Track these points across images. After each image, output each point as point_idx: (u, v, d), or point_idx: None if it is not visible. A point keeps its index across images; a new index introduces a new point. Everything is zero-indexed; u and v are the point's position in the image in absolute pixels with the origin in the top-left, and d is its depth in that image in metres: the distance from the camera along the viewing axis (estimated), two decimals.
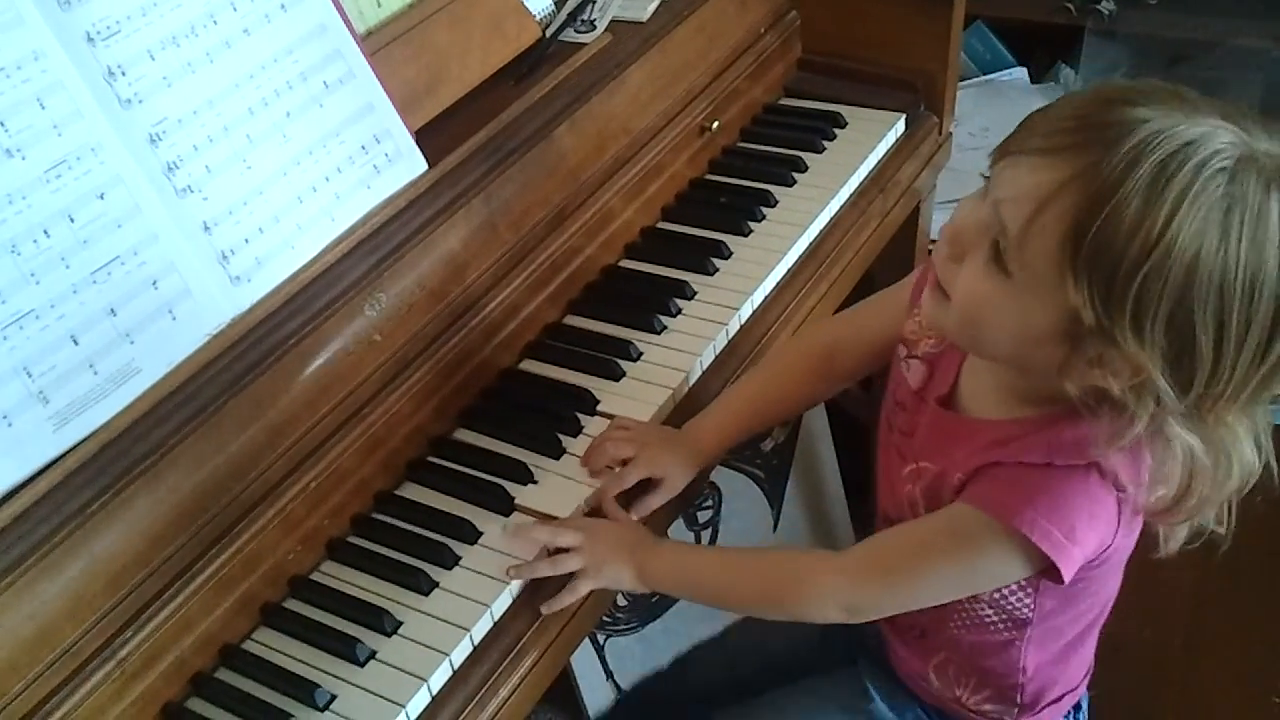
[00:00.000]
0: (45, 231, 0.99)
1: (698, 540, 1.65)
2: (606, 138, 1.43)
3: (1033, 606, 1.07)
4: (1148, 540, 1.02)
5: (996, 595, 1.06)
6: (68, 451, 0.97)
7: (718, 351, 1.35)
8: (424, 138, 1.26)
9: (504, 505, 1.17)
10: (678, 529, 1.55)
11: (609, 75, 1.44)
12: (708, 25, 1.58)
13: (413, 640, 1.05)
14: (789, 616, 1.11)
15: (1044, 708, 1.19)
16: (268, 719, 1.01)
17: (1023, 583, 1.04)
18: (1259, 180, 0.82)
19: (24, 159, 0.98)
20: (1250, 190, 0.82)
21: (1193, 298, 0.82)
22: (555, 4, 1.49)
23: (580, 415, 1.26)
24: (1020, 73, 2.58)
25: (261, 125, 1.13)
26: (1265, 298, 0.83)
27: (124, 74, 1.05)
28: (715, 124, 1.59)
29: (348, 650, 1.04)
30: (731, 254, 1.45)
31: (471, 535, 1.14)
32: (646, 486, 1.19)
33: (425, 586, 1.09)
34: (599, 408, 1.27)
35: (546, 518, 1.15)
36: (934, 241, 1.87)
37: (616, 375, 1.30)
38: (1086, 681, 1.23)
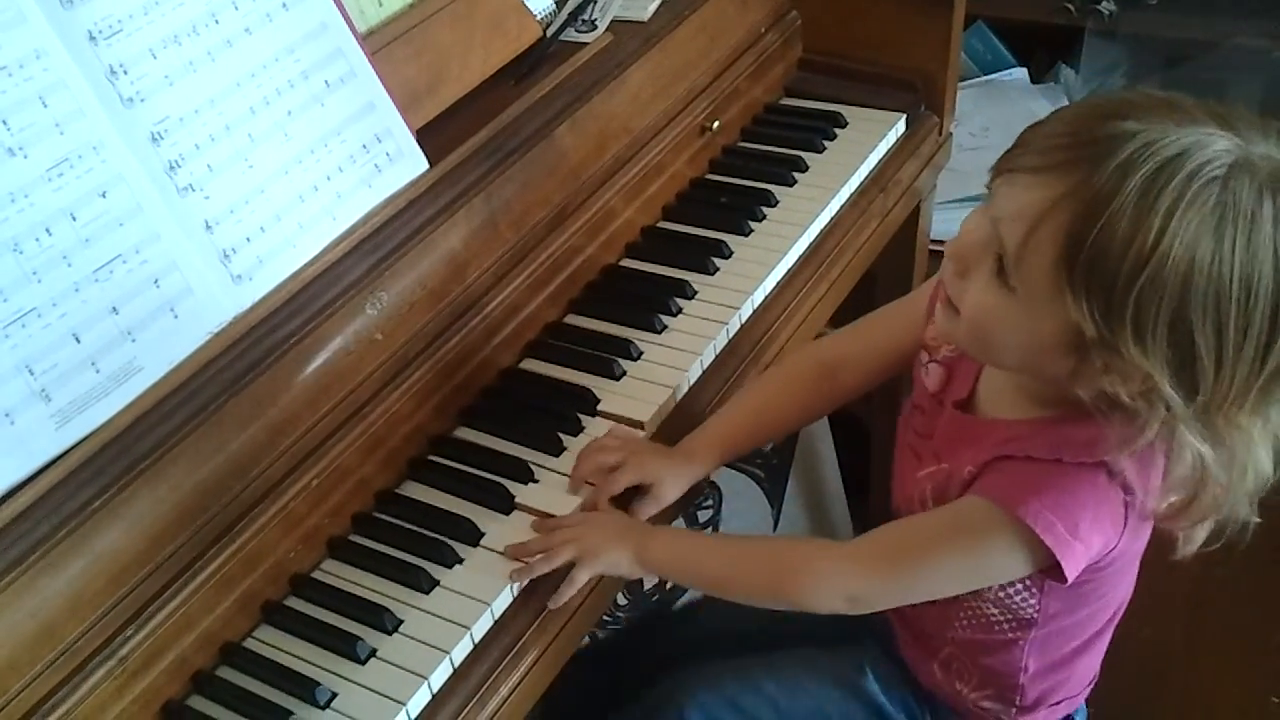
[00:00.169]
0: (47, 230, 0.99)
1: None
2: (607, 137, 1.43)
3: (1038, 607, 1.07)
4: (1163, 542, 1.02)
5: (1002, 594, 1.07)
6: (69, 449, 0.97)
7: (718, 351, 1.35)
8: (425, 137, 1.26)
9: (504, 504, 1.17)
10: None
11: (610, 75, 1.44)
12: (709, 25, 1.58)
13: (413, 638, 1.05)
14: (791, 605, 1.11)
15: (1042, 711, 1.19)
16: (269, 717, 1.01)
17: (1028, 582, 1.05)
18: (1252, 185, 0.83)
19: (26, 157, 0.98)
20: (1244, 196, 0.82)
21: (1190, 306, 0.82)
22: (556, 3, 1.50)
23: (581, 414, 1.26)
24: (1021, 73, 2.58)
25: (263, 124, 1.13)
26: (1262, 302, 0.83)
27: (126, 73, 1.05)
28: (716, 123, 1.59)
29: (349, 648, 1.04)
30: (732, 253, 1.46)
31: (472, 534, 1.14)
32: (637, 495, 1.18)
33: (426, 585, 1.09)
34: (599, 407, 1.27)
35: (547, 516, 1.15)
36: (935, 242, 1.89)
37: (617, 374, 1.30)
38: (1088, 692, 1.23)
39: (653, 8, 1.52)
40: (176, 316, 1.05)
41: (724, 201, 1.55)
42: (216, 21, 1.11)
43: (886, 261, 1.71)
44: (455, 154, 1.27)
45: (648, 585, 1.41)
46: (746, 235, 1.49)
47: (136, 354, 1.02)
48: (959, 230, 0.98)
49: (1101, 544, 0.98)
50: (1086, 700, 1.24)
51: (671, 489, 1.18)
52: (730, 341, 1.36)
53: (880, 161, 1.63)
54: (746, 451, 1.26)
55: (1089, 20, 2.53)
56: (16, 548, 0.92)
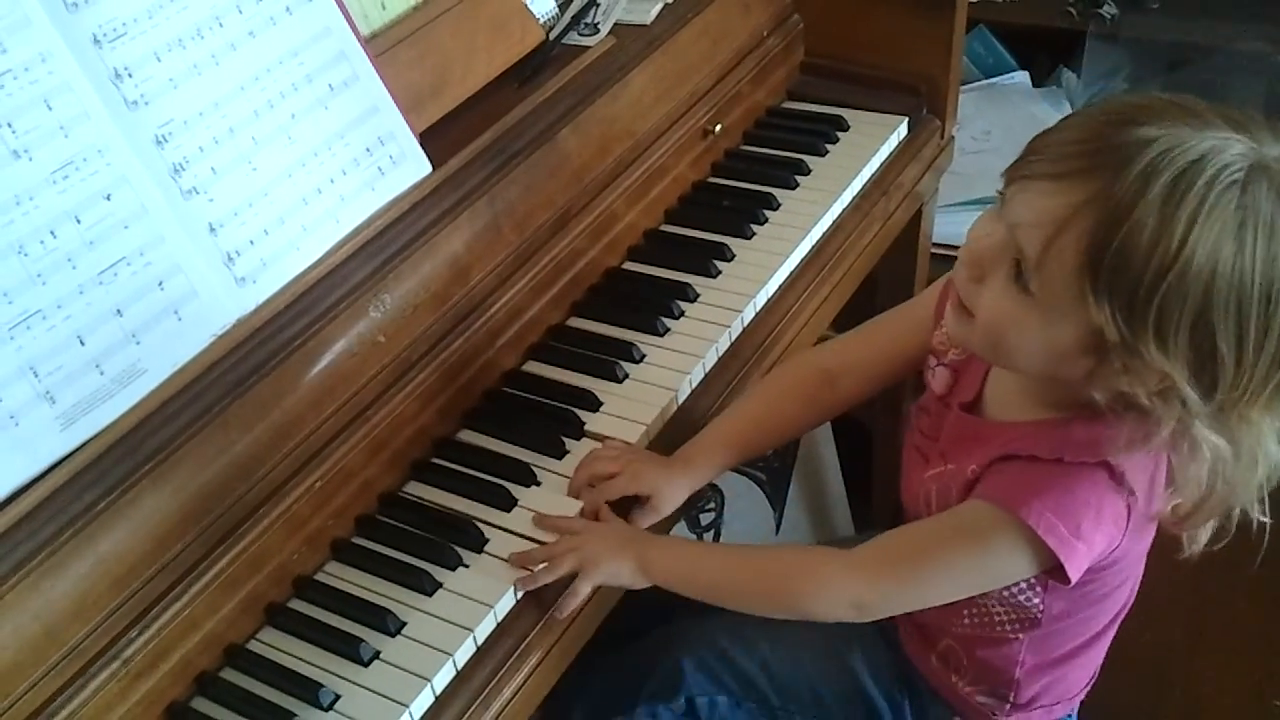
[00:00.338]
0: (52, 232, 0.99)
1: None
2: (610, 140, 1.44)
3: (1042, 607, 1.07)
4: (1163, 544, 1.02)
5: (1006, 594, 1.07)
6: (74, 451, 0.97)
7: (720, 354, 1.35)
8: (428, 140, 1.26)
9: (507, 506, 1.17)
10: (679, 531, 1.55)
11: (612, 78, 1.44)
12: (711, 28, 1.59)
13: (416, 640, 1.06)
14: (795, 614, 1.11)
15: (1036, 710, 1.20)
16: (272, 719, 1.01)
17: (1032, 582, 1.05)
18: (1270, 189, 0.84)
19: (31, 160, 0.99)
20: (1262, 200, 0.84)
21: (1212, 309, 0.84)
22: (559, 7, 1.50)
23: (583, 417, 1.26)
24: (1022, 76, 2.58)
25: (267, 127, 1.14)
26: None
27: (130, 76, 1.05)
28: (718, 127, 1.60)
29: (352, 650, 1.04)
30: (734, 256, 1.46)
31: (475, 536, 1.14)
32: (636, 506, 1.18)
33: (429, 587, 1.09)
34: (602, 409, 1.27)
35: (546, 516, 1.15)
36: (937, 245, 1.89)
37: (619, 377, 1.30)
38: (1083, 695, 1.23)
39: (655, 11, 1.53)
40: (180, 319, 1.06)
41: (726, 204, 1.55)
42: (221, 25, 1.12)
43: (888, 265, 1.71)
44: (458, 157, 1.27)
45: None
46: (749, 238, 1.49)
47: (141, 356, 1.03)
48: (969, 235, 0.98)
49: (1104, 544, 0.98)
50: (1083, 702, 1.24)
51: (669, 499, 1.18)
52: (733, 344, 1.36)
53: (882, 165, 1.63)
54: (746, 459, 1.26)
55: (1090, 24, 2.53)
56: (21, 549, 0.92)
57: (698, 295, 1.41)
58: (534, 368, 1.34)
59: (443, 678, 1.03)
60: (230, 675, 1.05)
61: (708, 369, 1.33)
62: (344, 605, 1.09)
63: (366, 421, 1.16)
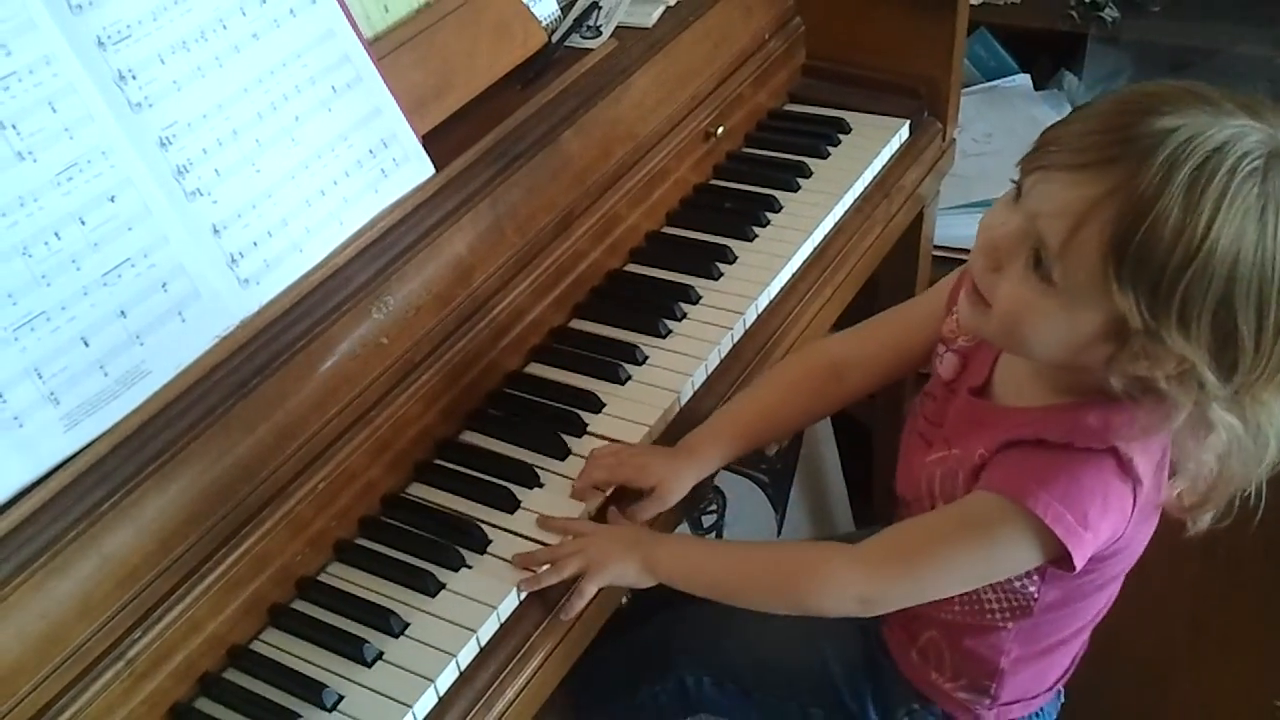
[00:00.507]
0: (56, 234, 0.99)
1: None
2: (612, 142, 1.44)
3: (1036, 595, 1.07)
4: (1164, 545, 1.03)
5: (1003, 580, 1.07)
6: (78, 452, 0.98)
7: (723, 356, 1.35)
8: (431, 142, 1.26)
9: (510, 507, 1.17)
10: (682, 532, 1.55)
11: (615, 81, 1.44)
12: (713, 31, 1.59)
13: (420, 641, 1.06)
14: (801, 610, 1.11)
15: (1014, 704, 1.20)
16: (276, 719, 1.01)
17: (1031, 570, 1.05)
18: None
19: (35, 162, 0.99)
20: None
21: (1235, 295, 0.85)
22: (561, 10, 1.50)
23: (586, 418, 1.26)
24: (1024, 79, 2.58)
25: (270, 129, 1.14)
26: None
27: (134, 78, 1.06)
28: (720, 129, 1.60)
29: (355, 651, 1.05)
30: (736, 259, 1.46)
31: (478, 537, 1.14)
32: (640, 496, 1.18)
33: (432, 588, 1.10)
34: (604, 410, 1.27)
35: (549, 517, 1.16)
36: (938, 247, 1.89)
37: (621, 379, 1.31)
38: (1056, 689, 1.24)
39: (657, 14, 1.53)
40: (184, 320, 1.06)
41: (728, 207, 1.56)
42: (224, 27, 1.12)
43: (890, 267, 1.71)
44: (461, 159, 1.27)
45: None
46: (751, 240, 1.49)
47: (145, 357, 1.03)
48: (983, 224, 0.99)
49: (1109, 533, 0.99)
50: (1084, 702, 1.24)
51: (675, 489, 1.18)
52: (735, 346, 1.37)
53: (884, 167, 1.63)
54: (751, 449, 1.26)
55: (1092, 27, 2.53)
56: (25, 550, 0.92)
57: (700, 297, 1.41)
58: (536, 369, 1.34)
59: (446, 678, 1.03)
60: (234, 676, 1.06)
61: (710, 371, 1.33)
62: (347, 606, 1.10)
63: (369, 423, 1.17)
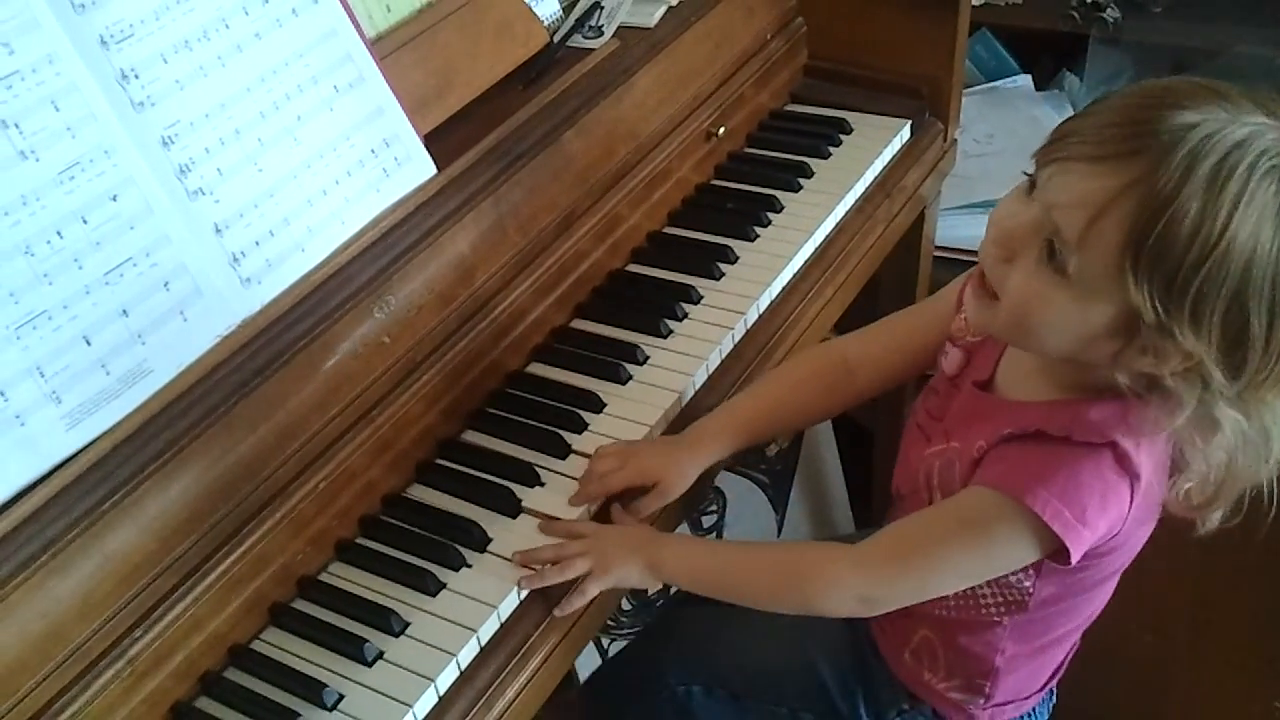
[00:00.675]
0: (58, 233, 0.99)
1: None
2: (614, 142, 1.44)
3: (1032, 590, 1.07)
4: (1165, 548, 1.02)
5: (999, 576, 1.07)
6: (80, 451, 0.98)
7: (724, 356, 1.35)
8: (433, 142, 1.27)
9: (511, 508, 1.18)
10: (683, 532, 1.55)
11: (616, 81, 1.44)
12: (714, 31, 1.59)
13: (420, 641, 1.06)
14: (803, 609, 1.11)
15: (1007, 704, 1.20)
16: (276, 719, 1.01)
17: (1026, 564, 1.05)
18: None
19: (38, 161, 0.99)
20: None
21: (1249, 292, 0.85)
22: (563, 9, 1.50)
23: (587, 418, 1.26)
24: (1025, 80, 2.58)
25: (273, 128, 1.14)
26: None
27: (137, 77, 1.06)
28: (722, 129, 1.60)
29: (355, 650, 1.05)
30: (738, 259, 1.46)
31: (479, 537, 1.14)
32: (642, 491, 1.18)
33: (433, 587, 1.10)
34: (605, 410, 1.27)
35: (553, 520, 1.16)
36: (939, 248, 1.89)
37: (623, 379, 1.31)
38: (1046, 690, 1.24)
39: (659, 14, 1.53)
40: (186, 319, 1.06)
41: (730, 207, 1.56)
42: (227, 27, 1.12)
43: (891, 267, 1.71)
44: (463, 158, 1.27)
45: (651, 593, 1.41)
46: (752, 241, 1.49)
47: (146, 356, 1.03)
48: (994, 216, 0.98)
49: (1107, 528, 0.99)
50: (1083, 702, 1.24)
51: (678, 483, 1.19)
52: (736, 346, 1.37)
53: (885, 168, 1.63)
54: (756, 443, 1.26)
55: (1093, 28, 2.53)
56: (27, 549, 0.92)
57: (701, 297, 1.41)
58: (538, 369, 1.34)
59: (446, 678, 1.03)
60: (234, 675, 1.06)
61: (711, 371, 1.33)
62: (348, 605, 1.10)
63: (371, 422, 1.17)
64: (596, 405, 1.28)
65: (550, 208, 1.36)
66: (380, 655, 1.05)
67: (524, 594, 1.10)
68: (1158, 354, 0.90)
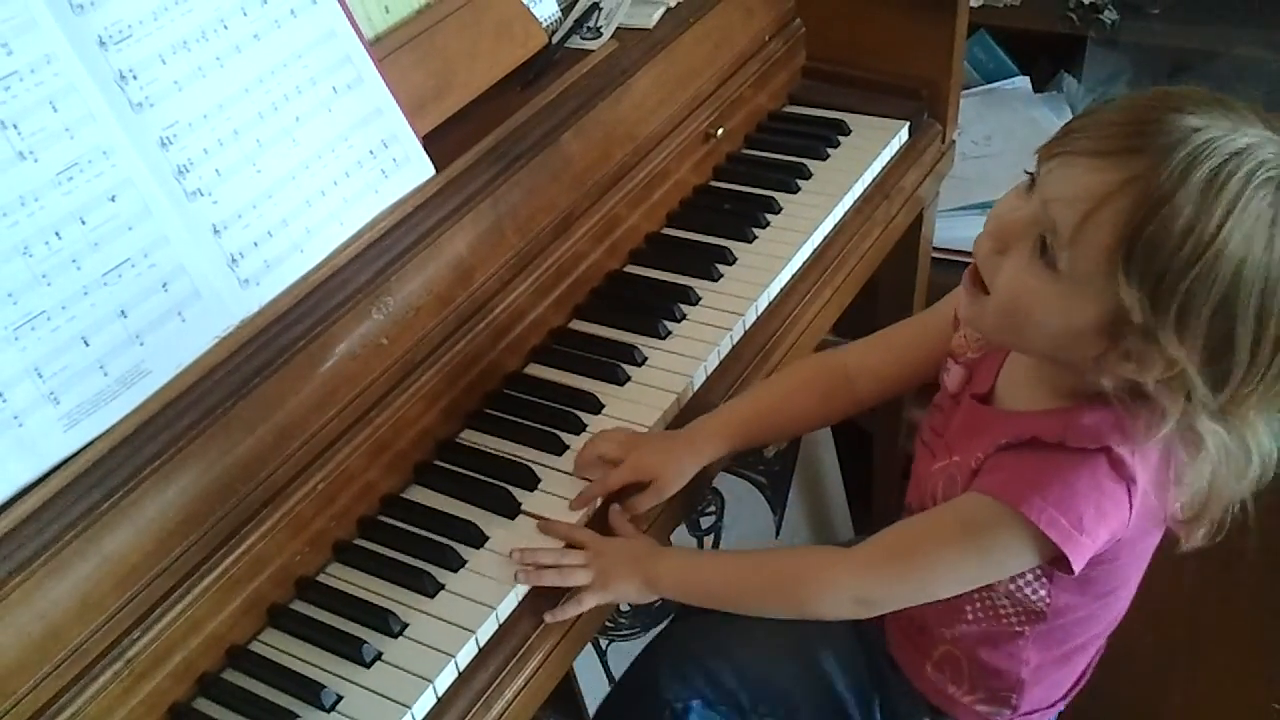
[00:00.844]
0: (57, 233, 0.99)
1: (700, 546, 1.66)
2: (612, 144, 1.44)
3: (1048, 600, 1.07)
4: (1165, 549, 1.02)
5: (1013, 587, 1.07)
6: (78, 452, 0.98)
7: (722, 357, 1.35)
8: (431, 143, 1.26)
9: (509, 509, 1.18)
10: (680, 535, 1.55)
11: (615, 82, 1.44)
12: (713, 33, 1.59)
13: (418, 642, 1.06)
14: (801, 614, 1.11)
15: (1032, 713, 1.20)
16: (274, 719, 1.01)
17: (1038, 573, 1.05)
18: None
19: (36, 161, 0.99)
20: None
21: (1236, 301, 0.85)
22: (562, 10, 1.50)
23: (585, 419, 1.26)
24: (1023, 81, 2.58)
25: (271, 129, 1.14)
26: None
27: (135, 78, 1.06)
28: (720, 131, 1.60)
29: (354, 651, 1.05)
30: (736, 260, 1.46)
31: (477, 538, 1.14)
32: (638, 488, 1.18)
33: (431, 589, 1.10)
34: (604, 411, 1.27)
35: (552, 521, 1.16)
36: (938, 249, 1.89)
37: (621, 380, 1.31)
38: (1070, 698, 1.24)
39: (658, 15, 1.53)
40: (184, 320, 1.06)
41: (728, 208, 1.56)
42: (225, 27, 1.12)
43: (889, 269, 1.71)
44: (461, 159, 1.27)
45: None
46: (750, 242, 1.49)
47: (145, 357, 1.03)
48: (995, 210, 0.99)
49: (1107, 535, 0.99)
50: (1083, 703, 1.24)
51: (674, 481, 1.19)
52: (734, 347, 1.37)
53: (884, 169, 1.63)
54: (753, 445, 1.27)
55: (1091, 29, 2.54)
56: (24, 550, 0.92)
57: (699, 298, 1.41)
58: (536, 370, 1.34)
59: (445, 679, 1.03)
60: (232, 676, 1.06)
61: (709, 372, 1.33)
62: (346, 606, 1.10)
63: (369, 423, 1.17)
64: (595, 406, 1.28)
65: (549, 209, 1.36)
66: (379, 656, 1.05)
67: (522, 595, 1.09)
68: (1141, 360, 0.90)
